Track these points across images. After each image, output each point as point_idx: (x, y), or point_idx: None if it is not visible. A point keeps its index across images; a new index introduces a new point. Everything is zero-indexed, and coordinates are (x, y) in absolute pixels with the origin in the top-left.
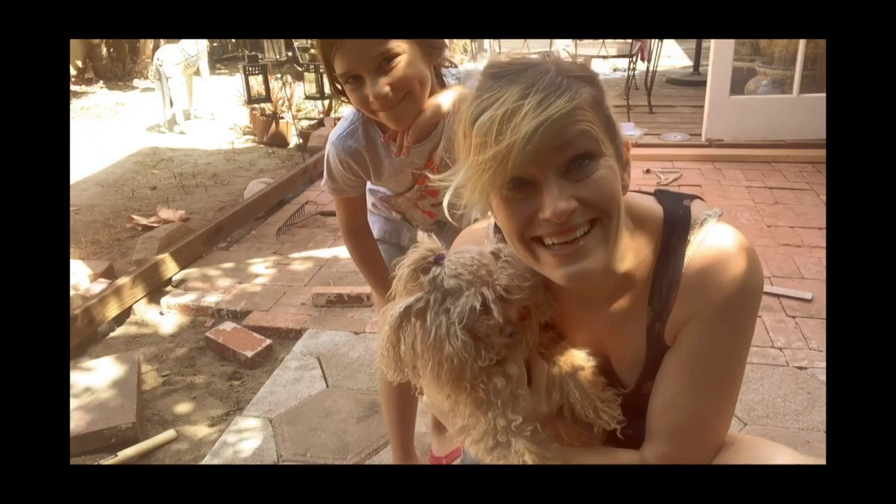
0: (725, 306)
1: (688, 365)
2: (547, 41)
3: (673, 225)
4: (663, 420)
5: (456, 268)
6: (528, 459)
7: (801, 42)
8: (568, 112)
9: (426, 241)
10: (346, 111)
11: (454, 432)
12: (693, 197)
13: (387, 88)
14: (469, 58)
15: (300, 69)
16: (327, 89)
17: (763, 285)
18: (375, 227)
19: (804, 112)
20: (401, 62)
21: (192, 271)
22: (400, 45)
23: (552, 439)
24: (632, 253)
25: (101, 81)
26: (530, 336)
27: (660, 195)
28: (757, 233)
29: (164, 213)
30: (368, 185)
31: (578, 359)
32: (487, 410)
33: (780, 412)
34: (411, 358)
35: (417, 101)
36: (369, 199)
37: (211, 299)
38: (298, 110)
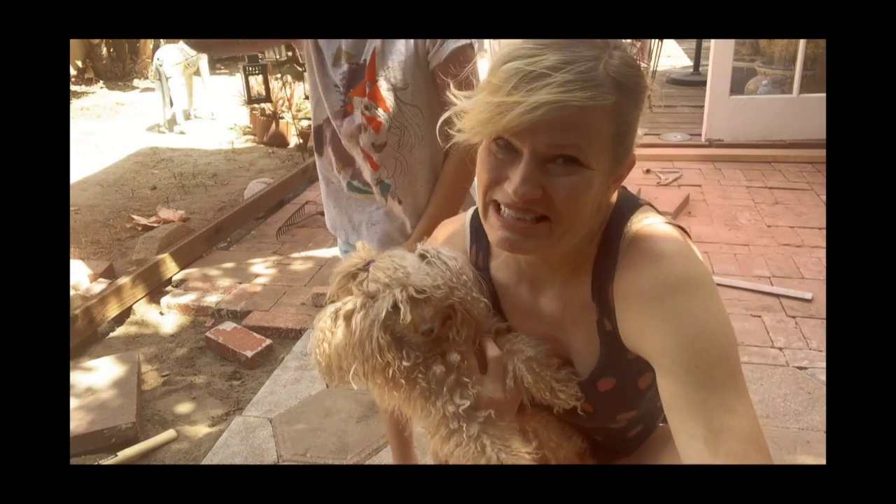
0: (665, 295)
1: (688, 378)
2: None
3: (613, 220)
4: (721, 455)
5: (376, 272)
6: (487, 443)
7: (801, 42)
8: (581, 108)
9: (360, 250)
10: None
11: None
12: (649, 203)
13: None
14: None
15: (300, 69)
16: None
17: (704, 271)
18: (327, 215)
19: (804, 112)
20: None
21: (192, 271)
22: None
23: (514, 430)
24: (586, 246)
25: (101, 81)
26: (462, 331)
27: (622, 191)
28: (757, 233)
29: (164, 213)
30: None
31: (529, 344)
32: (436, 400)
33: (780, 412)
34: (337, 359)
35: None
36: (322, 181)
37: (211, 299)
38: (298, 110)
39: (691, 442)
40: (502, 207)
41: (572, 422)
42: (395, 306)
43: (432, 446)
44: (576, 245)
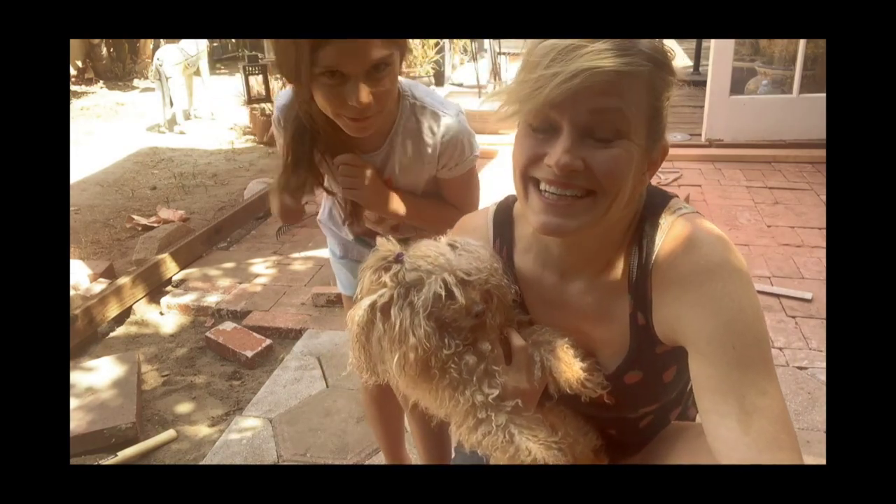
0: (704, 279)
1: (724, 359)
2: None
3: (647, 212)
4: (752, 433)
5: (415, 261)
6: (515, 432)
7: (801, 42)
8: (620, 72)
9: (385, 244)
10: None
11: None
12: (676, 196)
13: (370, 98)
14: (469, 58)
15: None
16: None
17: (739, 257)
18: (336, 247)
19: (804, 112)
20: (389, 74)
21: (192, 271)
22: (392, 56)
23: (539, 420)
24: (620, 238)
25: (101, 81)
26: (496, 317)
27: (649, 186)
28: (757, 233)
29: (164, 213)
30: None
31: (554, 335)
32: (465, 389)
33: None
34: (378, 353)
35: (382, 114)
36: (325, 208)
37: (211, 299)
38: None
39: (723, 421)
40: (542, 185)
41: (592, 413)
42: (448, 290)
43: (457, 437)
44: (609, 236)
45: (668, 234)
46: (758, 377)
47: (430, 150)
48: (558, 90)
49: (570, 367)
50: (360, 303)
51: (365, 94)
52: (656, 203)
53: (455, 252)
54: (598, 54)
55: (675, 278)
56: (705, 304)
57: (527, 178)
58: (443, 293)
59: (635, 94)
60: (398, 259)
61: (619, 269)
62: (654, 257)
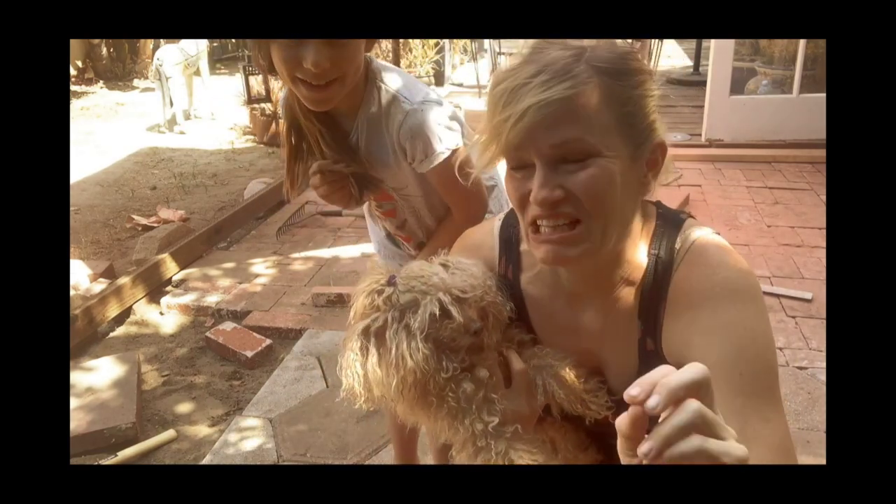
0: (719, 304)
1: (729, 385)
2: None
3: (660, 236)
4: (752, 460)
5: (408, 282)
6: (515, 458)
7: (801, 42)
8: (565, 98)
9: (378, 267)
10: None
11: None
12: (690, 215)
13: (328, 63)
14: (469, 58)
15: None
16: None
17: (757, 284)
18: (374, 242)
19: (804, 112)
20: (350, 41)
21: (192, 271)
22: None
23: (538, 442)
24: (630, 261)
25: (101, 81)
26: (493, 335)
27: (659, 206)
28: (757, 233)
29: (164, 213)
30: None
31: (556, 357)
32: (464, 418)
33: None
34: (375, 379)
35: (344, 88)
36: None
37: (211, 299)
38: None
39: None
40: (538, 222)
41: (596, 430)
42: (444, 309)
43: (457, 461)
44: (617, 258)
45: (685, 259)
46: (762, 405)
47: (389, 139)
48: (514, 132)
49: (572, 391)
50: (354, 328)
51: (323, 56)
52: (670, 226)
53: (448, 271)
54: (539, 87)
55: (690, 304)
56: (717, 328)
57: (526, 220)
58: (438, 313)
59: (592, 112)
60: (391, 282)
61: (629, 293)
62: (670, 284)
